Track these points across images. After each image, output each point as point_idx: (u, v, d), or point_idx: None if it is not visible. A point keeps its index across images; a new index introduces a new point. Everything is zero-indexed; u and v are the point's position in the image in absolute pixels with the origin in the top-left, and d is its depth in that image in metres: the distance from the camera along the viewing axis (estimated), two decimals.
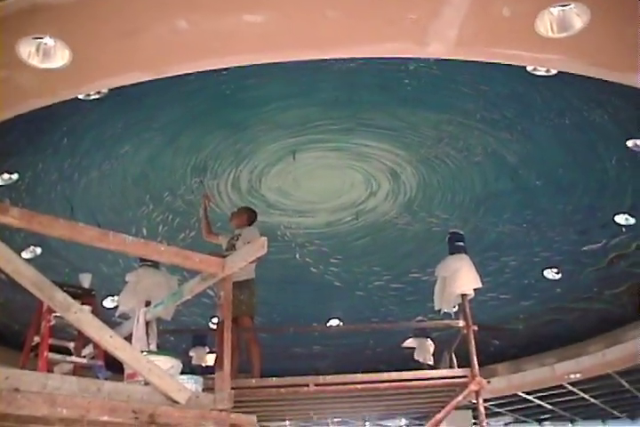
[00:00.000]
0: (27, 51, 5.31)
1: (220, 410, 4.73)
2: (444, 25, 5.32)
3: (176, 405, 4.54)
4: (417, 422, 18.61)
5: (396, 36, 5.54)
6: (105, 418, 4.11)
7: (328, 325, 14.51)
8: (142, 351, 5.42)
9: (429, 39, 5.47)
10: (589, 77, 6.55)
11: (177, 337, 12.48)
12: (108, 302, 11.75)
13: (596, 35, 5.36)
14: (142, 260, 8.80)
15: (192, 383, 5.14)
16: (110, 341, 4.53)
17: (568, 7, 5.22)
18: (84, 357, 7.18)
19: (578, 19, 5.27)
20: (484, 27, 5.43)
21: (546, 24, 5.36)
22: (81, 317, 4.54)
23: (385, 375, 8.65)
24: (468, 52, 5.81)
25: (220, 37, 5.45)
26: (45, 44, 5.29)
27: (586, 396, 17.92)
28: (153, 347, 6.97)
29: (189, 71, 6.20)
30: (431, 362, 11.59)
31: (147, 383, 4.64)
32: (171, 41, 5.40)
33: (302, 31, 5.48)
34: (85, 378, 4.49)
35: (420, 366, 11.28)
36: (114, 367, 6.11)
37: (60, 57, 5.36)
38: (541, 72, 7.90)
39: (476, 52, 5.85)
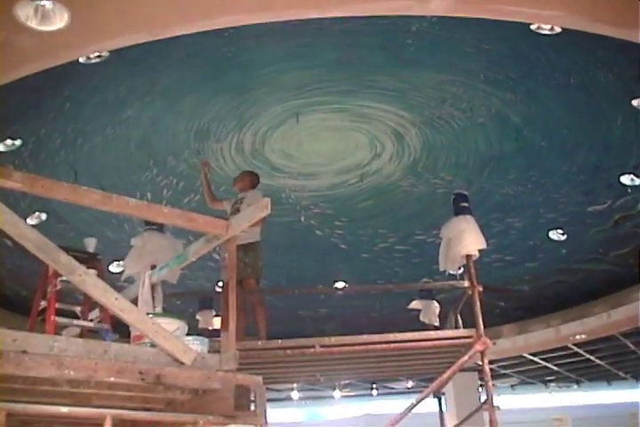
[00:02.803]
0: (25, 13, 5.30)
1: (226, 371, 4.75)
2: None
3: (182, 366, 4.55)
4: (424, 384, 18.80)
5: None
6: (112, 379, 4.13)
7: (334, 287, 14.57)
8: (148, 313, 5.45)
9: None
10: (593, 36, 6.53)
11: (184, 301, 12.56)
12: (114, 267, 11.80)
13: None
14: (147, 224, 8.83)
15: (198, 345, 5.15)
16: (116, 303, 4.54)
17: None
18: (91, 320, 7.23)
19: None
20: None
21: None
22: (86, 279, 4.54)
23: (390, 336, 8.67)
24: (469, 8, 5.77)
25: None
26: (43, 6, 5.27)
27: (591, 357, 18.07)
28: (159, 310, 6.99)
29: (186, 32, 6.14)
30: (437, 323, 11.64)
31: (153, 345, 4.66)
32: (166, 2, 5.37)
33: None
34: (92, 340, 4.53)
35: (426, 328, 11.33)
36: (121, 330, 6.15)
37: (59, 19, 5.34)
38: (545, 31, 7.82)
39: (476, 9, 5.80)
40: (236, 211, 9.06)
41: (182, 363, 4.57)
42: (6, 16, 5.20)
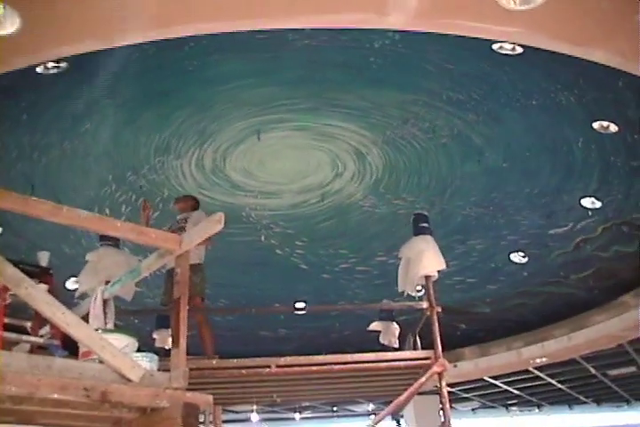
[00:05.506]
0: None
1: (175, 388, 4.64)
2: None
3: (129, 383, 4.46)
4: (384, 406, 18.68)
5: (356, 5, 5.49)
6: (55, 396, 4.02)
7: (293, 307, 14.44)
8: (97, 329, 5.33)
9: (389, 9, 5.41)
10: (555, 58, 6.53)
11: (142, 319, 12.41)
12: (71, 284, 11.61)
13: (559, 8, 5.35)
14: (102, 239, 8.73)
15: (146, 361, 5.04)
16: (62, 317, 4.43)
17: None
18: (42, 336, 7.07)
19: None
20: None
21: None
22: (32, 292, 4.45)
23: (347, 357, 8.62)
24: (429, 23, 5.76)
25: (173, 5, 5.35)
26: None
27: (552, 381, 18.12)
28: (110, 326, 6.86)
29: (142, 40, 6.06)
30: (397, 345, 11.57)
31: (100, 362, 4.55)
32: (124, 8, 5.28)
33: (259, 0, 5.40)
34: (36, 355, 4.41)
35: (386, 349, 11.25)
36: (72, 348, 6.02)
37: (10, 23, 5.23)
38: (507, 51, 7.83)
39: (436, 24, 5.80)
40: (181, 229, 8.92)
41: (130, 380, 4.47)
42: None
